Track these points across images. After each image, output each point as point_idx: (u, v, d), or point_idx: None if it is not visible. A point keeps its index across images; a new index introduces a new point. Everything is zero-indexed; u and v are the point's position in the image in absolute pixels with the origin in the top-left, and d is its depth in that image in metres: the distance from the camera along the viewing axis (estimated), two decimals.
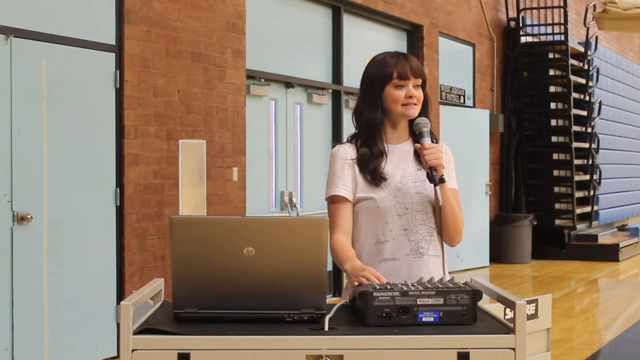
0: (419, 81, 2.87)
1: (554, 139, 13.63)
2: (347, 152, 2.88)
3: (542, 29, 13.92)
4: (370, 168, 2.82)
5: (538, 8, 13.72)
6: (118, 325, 6.19)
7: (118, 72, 6.44)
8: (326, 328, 2.28)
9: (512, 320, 2.26)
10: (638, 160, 18.08)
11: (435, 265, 2.86)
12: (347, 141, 2.94)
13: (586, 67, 14.30)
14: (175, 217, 2.34)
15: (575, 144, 13.47)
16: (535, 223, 12.93)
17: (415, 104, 2.86)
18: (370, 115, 2.85)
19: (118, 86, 6.44)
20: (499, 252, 12.81)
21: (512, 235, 12.77)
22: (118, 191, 6.43)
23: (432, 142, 2.86)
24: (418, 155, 2.88)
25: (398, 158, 2.88)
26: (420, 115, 2.89)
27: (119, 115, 6.45)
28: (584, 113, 14.11)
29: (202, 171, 7.24)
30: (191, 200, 7.10)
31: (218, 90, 7.43)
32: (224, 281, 2.33)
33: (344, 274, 2.83)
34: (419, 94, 2.87)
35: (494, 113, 13.07)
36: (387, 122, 2.88)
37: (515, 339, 2.23)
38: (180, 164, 6.99)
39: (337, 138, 9.48)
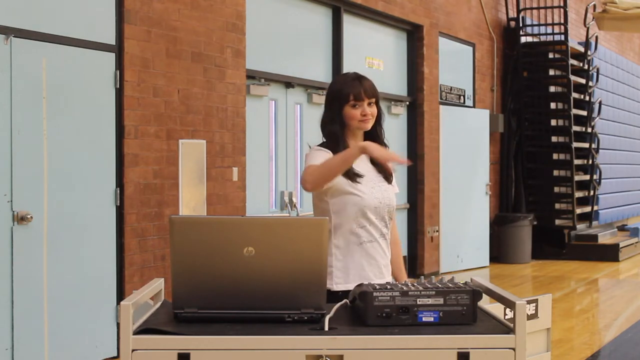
0: (373, 100, 3.39)
1: (554, 139, 13.63)
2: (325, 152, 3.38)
3: (542, 29, 13.92)
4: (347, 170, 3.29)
5: (538, 8, 13.72)
6: (118, 325, 6.19)
7: (118, 72, 6.44)
8: (326, 328, 2.28)
9: (512, 320, 2.26)
10: (638, 160, 18.08)
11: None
12: (319, 147, 3.44)
13: (586, 67, 14.30)
14: (175, 217, 2.34)
15: (575, 144, 13.47)
16: (535, 223, 12.93)
17: (369, 119, 3.38)
18: (332, 128, 3.42)
19: (118, 86, 6.44)
20: (499, 252, 12.81)
21: (512, 235, 12.78)
22: (118, 191, 6.43)
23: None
24: (372, 159, 3.38)
25: (359, 160, 3.31)
26: (373, 126, 3.42)
27: (119, 115, 6.45)
28: (584, 113, 14.11)
29: (202, 171, 7.24)
30: (191, 200, 7.10)
31: (218, 90, 7.43)
32: (224, 281, 2.33)
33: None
34: (372, 110, 3.39)
35: (494, 113, 13.08)
36: (348, 133, 3.42)
37: (515, 339, 2.23)
38: (180, 164, 6.99)
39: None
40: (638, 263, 13.40)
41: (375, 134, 3.42)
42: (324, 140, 3.49)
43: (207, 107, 7.30)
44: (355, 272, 3.28)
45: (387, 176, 3.42)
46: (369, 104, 3.37)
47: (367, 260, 3.31)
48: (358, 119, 3.36)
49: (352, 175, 3.30)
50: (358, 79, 3.43)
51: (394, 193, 3.46)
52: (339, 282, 3.26)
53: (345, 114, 3.38)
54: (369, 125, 3.38)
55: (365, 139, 3.40)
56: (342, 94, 3.38)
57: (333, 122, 3.42)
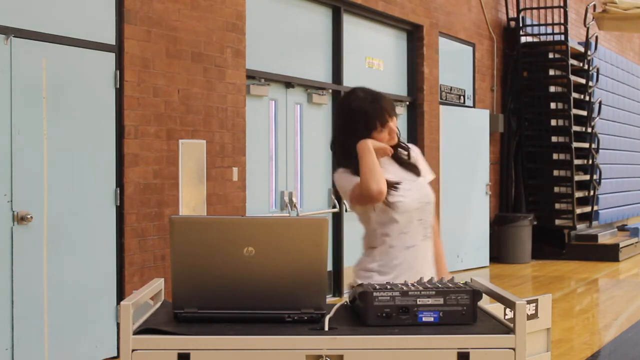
0: (394, 117, 3.33)
1: (554, 139, 13.62)
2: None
3: (542, 29, 13.92)
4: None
5: (538, 8, 13.72)
6: (118, 325, 6.19)
7: (118, 72, 6.44)
8: (326, 328, 2.28)
9: (512, 320, 2.26)
10: (638, 160, 18.08)
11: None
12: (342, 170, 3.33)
13: (586, 67, 14.30)
14: (175, 217, 2.34)
15: (575, 144, 13.46)
16: (535, 223, 12.93)
17: (395, 135, 3.32)
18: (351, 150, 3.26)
19: (118, 86, 6.44)
20: (499, 252, 12.81)
21: (512, 235, 12.77)
22: (118, 191, 6.43)
23: (404, 149, 3.42)
24: (396, 159, 3.37)
25: (387, 165, 3.32)
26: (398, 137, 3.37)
27: (119, 115, 6.45)
28: (584, 113, 14.11)
29: (202, 171, 7.24)
30: (191, 200, 7.10)
31: (218, 90, 7.43)
32: (224, 281, 2.33)
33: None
34: (394, 123, 3.34)
35: (494, 113, 13.07)
36: None
37: (515, 339, 2.23)
38: (180, 164, 6.99)
39: None
40: (638, 263, 13.40)
41: (399, 143, 3.38)
42: (345, 163, 3.34)
43: (207, 107, 7.30)
44: (397, 276, 3.23)
45: (414, 170, 3.37)
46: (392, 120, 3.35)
47: (410, 265, 3.26)
48: (387, 140, 3.28)
49: (389, 186, 3.23)
50: (377, 101, 3.28)
51: (428, 184, 3.40)
52: None
53: (374, 137, 3.26)
54: (396, 139, 3.33)
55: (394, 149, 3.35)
56: (369, 124, 3.25)
57: (353, 142, 3.26)
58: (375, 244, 3.31)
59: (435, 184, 13.02)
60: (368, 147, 3.19)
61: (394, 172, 3.31)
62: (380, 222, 3.30)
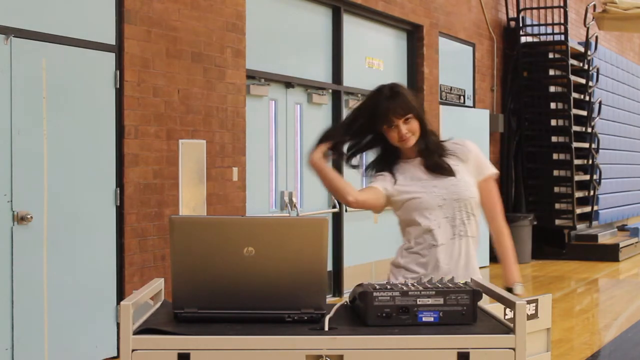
0: (408, 116, 3.23)
1: (554, 139, 13.62)
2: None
3: (542, 29, 13.92)
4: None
5: (538, 8, 13.72)
6: (118, 325, 6.19)
7: (118, 72, 6.44)
8: (326, 328, 2.28)
9: (512, 320, 2.26)
10: (638, 160, 18.07)
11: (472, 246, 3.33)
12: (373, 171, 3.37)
13: (586, 67, 14.30)
14: (175, 217, 2.34)
15: (575, 144, 13.46)
16: (535, 223, 12.93)
17: (408, 137, 3.24)
18: (381, 150, 3.34)
19: (118, 86, 6.44)
20: None
21: (512, 235, 12.74)
22: (118, 191, 6.43)
23: (452, 153, 3.33)
24: (425, 163, 3.31)
25: (411, 167, 3.31)
26: (421, 139, 3.26)
27: (119, 115, 6.45)
28: (584, 113, 14.11)
29: (202, 171, 7.24)
30: (191, 200, 7.10)
31: (218, 90, 7.43)
32: (224, 281, 2.33)
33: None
34: (410, 127, 3.24)
35: (494, 113, 13.07)
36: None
37: (515, 339, 2.23)
38: (180, 164, 6.99)
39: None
40: (638, 263, 13.39)
41: (426, 146, 3.28)
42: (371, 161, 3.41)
43: (207, 107, 7.30)
44: (425, 274, 3.21)
45: (443, 170, 3.27)
46: (405, 120, 3.23)
47: (436, 264, 3.23)
48: (396, 140, 3.24)
49: (402, 181, 3.25)
50: (391, 97, 3.23)
51: (465, 182, 3.27)
52: None
53: (386, 134, 3.27)
54: (411, 142, 3.24)
55: (419, 152, 3.30)
56: (377, 122, 3.24)
57: (381, 143, 3.32)
58: (403, 240, 3.33)
59: None
60: (314, 163, 3.18)
61: (411, 170, 3.28)
62: (403, 219, 3.31)
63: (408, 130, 3.22)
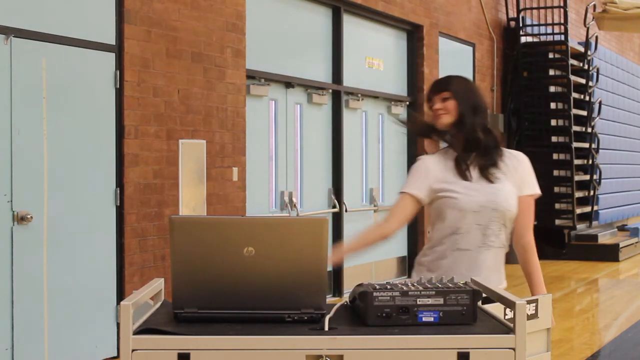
0: (444, 94, 3.27)
1: (554, 139, 13.62)
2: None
3: (542, 29, 13.92)
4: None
5: (538, 8, 13.72)
6: (118, 325, 6.19)
7: (118, 72, 6.44)
8: (326, 328, 2.28)
9: (512, 320, 2.26)
10: (638, 160, 18.07)
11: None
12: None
13: (586, 67, 14.30)
14: (175, 217, 2.34)
15: (575, 144, 13.46)
16: (535, 223, 12.88)
17: (440, 114, 3.26)
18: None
19: (118, 86, 6.44)
20: None
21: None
22: (118, 191, 6.43)
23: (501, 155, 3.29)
24: (479, 165, 3.27)
25: (448, 161, 3.28)
26: (459, 124, 3.24)
27: (119, 115, 6.45)
28: (584, 113, 14.11)
29: (202, 171, 7.24)
30: (191, 200, 7.10)
31: (218, 90, 7.43)
32: (224, 281, 2.33)
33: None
34: (444, 104, 3.26)
35: (494, 113, 13.07)
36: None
37: (515, 339, 2.23)
38: (180, 164, 6.99)
39: (337, 138, 9.49)
40: (638, 263, 13.39)
41: (458, 131, 3.24)
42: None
43: (207, 107, 7.30)
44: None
45: (489, 176, 3.22)
46: (444, 99, 3.27)
47: (458, 270, 3.16)
48: (432, 115, 3.29)
49: (443, 173, 3.21)
50: (438, 80, 3.41)
51: (506, 193, 3.21)
52: None
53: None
54: (444, 120, 3.25)
55: (463, 146, 3.25)
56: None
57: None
58: (430, 237, 3.29)
59: None
60: (339, 260, 3.24)
61: (454, 167, 3.22)
62: (434, 214, 3.25)
63: (442, 107, 3.25)
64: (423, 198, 3.23)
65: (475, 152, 3.23)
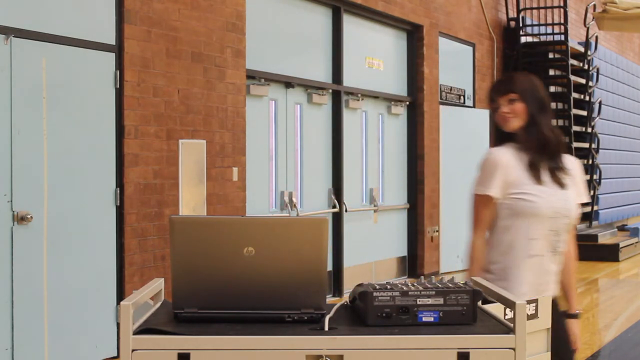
0: (511, 96, 3.16)
1: None
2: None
3: (542, 29, 13.92)
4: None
5: (538, 8, 13.72)
6: (118, 325, 6.19)
7: (118, 72, 6.44)
8: (326, 328, 2.28)
9: (512, 320, 2.26)
10: (638, 160, 18.08)
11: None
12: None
13: (586, 67, 14.30)
14: (175, 217, 2.34)
15: (575, 144, 13.46)
16: None
17: (508, 117, 3.17)
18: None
19: (118, 86, 6.44)
20: None
21: None
22: (118, 191, 6.43)
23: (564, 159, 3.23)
24: (549, 167, 3.21)
25: (518, 161, 3.20)
26: (529, 127, 3.16)
27: (119, 115, 6.45)
28: (584, 113, 14.11)
29: (202, 171, 7.24)
30: (191, 200, 7.10)
31: (218, 90, 7.44)
32: (224, 281, 2.33)
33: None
34: (512, 107, 3.16)
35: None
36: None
37: (515, 339, 2.23)
38: (180, 164, 6.99)
39: (337, 138, 9.49)
40: (638, 263, 13.39)
41: (529, 134, 3.15)
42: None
43: (207, 107, 7.30)
44: (513, 285, 3.11)
45: (559, 181, 3.16)
46: (510, 100, 3.17)
47: (531, 277, 3.14)
48: (500, 118, 3.19)
49: (518, 173, 3.11)
50: (501, 78, 3.36)
51: (574, 200, 3.17)
52: None
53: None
54: (511, 124, 3.16)
55: (538, 148, 3.17)
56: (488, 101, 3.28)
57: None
58: (496, 242, 3.18)
59: (435, 184, 12.89)
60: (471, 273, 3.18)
61: (523, 170, 3.13)
62: (504, 214, 3.15)
63: (510, 111, 3.15)
64: (499, 197, 3.16)
65: (545, 154, 3.17)
